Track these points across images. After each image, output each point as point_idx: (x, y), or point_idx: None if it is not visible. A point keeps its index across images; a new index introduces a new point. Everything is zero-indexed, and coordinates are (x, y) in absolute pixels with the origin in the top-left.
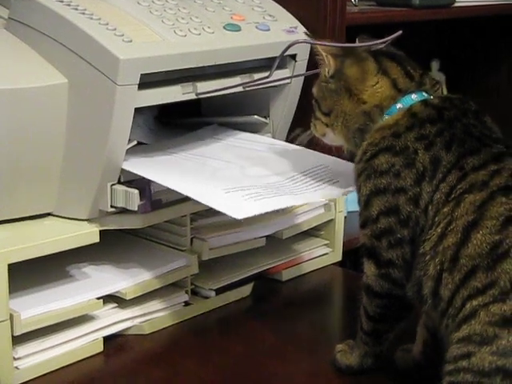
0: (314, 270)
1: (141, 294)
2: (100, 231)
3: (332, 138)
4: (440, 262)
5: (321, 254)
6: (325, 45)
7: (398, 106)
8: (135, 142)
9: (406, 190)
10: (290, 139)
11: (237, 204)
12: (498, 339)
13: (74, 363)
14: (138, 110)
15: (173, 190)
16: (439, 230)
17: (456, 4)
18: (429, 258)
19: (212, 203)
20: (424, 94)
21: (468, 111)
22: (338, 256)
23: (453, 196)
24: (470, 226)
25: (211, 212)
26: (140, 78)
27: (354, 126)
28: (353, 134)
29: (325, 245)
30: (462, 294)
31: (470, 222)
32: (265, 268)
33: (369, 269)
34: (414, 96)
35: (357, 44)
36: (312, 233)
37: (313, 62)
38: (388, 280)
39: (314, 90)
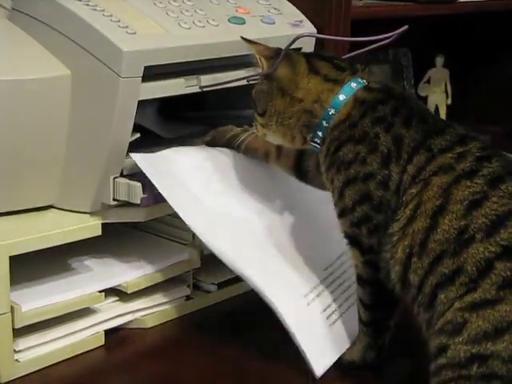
0: None
1: (143, 287)
2: (102, 224)
3: (272, 138)
4: (409, 246)
5: None
6: (330, 39)
7: (341, 97)
8: (138, 135)
9: (374, 175)
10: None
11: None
12: (467, 324)
13: (75, 356)
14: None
15: None
16: (408, 211)
17: None
18: (396, 240)
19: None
20: (360, 80)
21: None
22: None
23: (421, 177)
24: (437, 210)
25: None
26: (144, 71)
27: (297, 124)
28: (298, 131)
29: None
30: (431, 280)
31: (438, 207)
32: None
33: (355, 257)
34: (353, 84)
35: (363, 39)
36: None
37: None
38: (372, 266)
39: (252, 92)
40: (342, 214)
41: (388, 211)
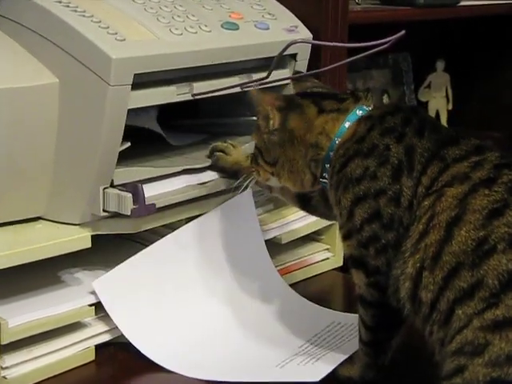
0: (315, 276)
1: None
2: (92, 236)
3: (276, 182)
4: (420, 260)
5: (321, 259)
6: (326, 45)
7: (347, 124)
8: (128, 144)
9: (385, 191)
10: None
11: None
12: (489, 347)
13: (64, 372)
14: None
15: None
16: (421, 226)
17: (461, 3)
18: (408, 255)
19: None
20: (365, 107)
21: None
22: (339, 261)
23: (434, 189)
24: (452, 221)
25: None
26: (133, 78)
27: (305, 161)
28: (307, 169)
29: (325, 249)
30: (447, 296)
31: (453, 218)
32: None
33: (359, 279)
34: (358, 112)
35: (359, 44)
36: (312, 237)
37: (314, 61)
38: (377, 288)
39: (255, 139)
40: (348, 236)
41: (399, 228)
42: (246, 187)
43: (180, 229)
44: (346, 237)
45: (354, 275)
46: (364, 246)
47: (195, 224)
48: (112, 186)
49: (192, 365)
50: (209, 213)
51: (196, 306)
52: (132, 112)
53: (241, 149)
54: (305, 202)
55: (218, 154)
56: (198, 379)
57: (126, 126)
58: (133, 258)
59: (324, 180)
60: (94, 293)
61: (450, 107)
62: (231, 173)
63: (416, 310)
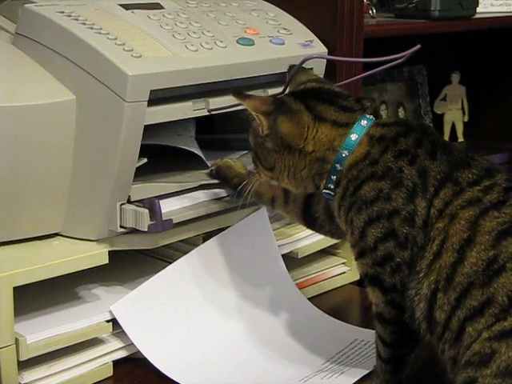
0: (331, 290)
1: None
2: (109, 252)
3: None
4: (434, 281)
5: (338, 273)
6: (341, 60)
7: (353, 136)
8: (145, 160)
9: (399, 211)
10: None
11: None
12: (496, 355)
13: None
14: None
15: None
16: (435, 247)
17: (476, 16)
18: (422, 276)
19: None
20: (369, 116)
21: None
22: (355, 275)
23: (448, 212)
24: (465, 243)
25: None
26: (150, 95)
27: (309, 173)
28: (311, 180)
29: (342, 263)
30: (458, 315)
31: (465, 240)
32: None
33: (376, 297)
34: (363, 122)
35: (374, 59)
36: (329, 251)
37: (329, 75)
38: (394, 306)
39: (251, 141)
40: (361, 255)
41: (414, 248)
42: (250, 192)
43: (196, 249)
44: (359, 256)
45: (371, 293)
46: (380, 265)
47: (212, 243)
48: (129, 201)
49: (212, 382)
50: (224, 232)
51: (215, 324)
52: (173, 133)
53: (240, 162)
54: (309, 220)
55: (219, 163)
56: None
57: (166, 147)
58: (149, 280)
59: (328, 191)
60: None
61: (466, 119)
62: (233, 183)
63: (431, 330)
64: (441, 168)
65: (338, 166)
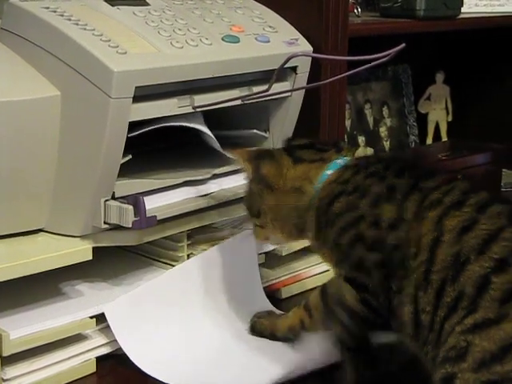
0: (315, 288)
1: None
2: (93, 248)
3: (274, 238)
4: (415, 283)
5: (322, 271)
6: (326, 58)
7: (328, 172)
8: (130, 156)
9: (364, 217)
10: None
11: None
12: (471, 347)
13: None
14: None
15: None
16: (412, 249)
17: (461, 15)
18: (409, 276)
19: None
20: (346, 158)
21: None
22: None
23: (419, 216)
24: (433, 243)
25: (208, 228)
26: (135, 91)
27: (289, 211)
28: (287, 218)
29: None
30: (440, 315)
31: (433, 239)
32: (264, 285)
33: (351, 295)
34: (339, 161)
35: (359, 58)
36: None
37: (314, 74)
38: (367, 306)
39: (244, 200)
40: (338, 263)
41: (384, 250)
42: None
43: (185, 262)
44: (336, 264)
45: (347, 292)
46: (355, 269)
47: (200, 258)
48: (113, 198)
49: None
50: (213, 248)
51: (202, 332)
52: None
53: (277, 314)
54: None
55: (254, 319)
56: None
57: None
58: (142, 286)
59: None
60: (94, 305)
61: (450, 119)
62: (269, 335)
63: (418, 335)
64: (407, 181)
65: (314, 202)
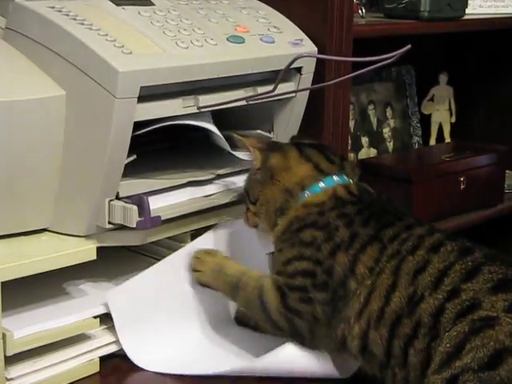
0: None
1: None
2: (97, 248)
3: (261, 227)
4: (366, 322)
5: None
6: (332, 59)
7: (321, 185)
8: (134, 156)
9: (321, 263)
10: None
11: None
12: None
13: None
14: None
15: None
16: (362, 298)
17: (465, 17)
18: (353, 321)
19: None
20: (345, 177)
21: (382, 196)
22: None
23: (377, 270)
24: (389, 288)
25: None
26: (140, 91)
27: (275, 207)
28: (274, 214)
29: None
30: (398, 344)
31: (390, 285)
32: None
33: (275, 301)
34: (335, 178)
35: (364, 59)
36: None
37: (319, 74)
38: (290, 324)
39: (245, 183)
40: (278, 274)
41: (330, 294)
42: None
43: (187, 246)
44: (276, 273)
45: (271, 296)
46: (291, 289)
47: (202, 239)
48: (117, 198)
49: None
50: (215, 229)
51: (197, 320)
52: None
53: None
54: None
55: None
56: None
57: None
58: (144, 272)
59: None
60: (98, 305)
61: (454, 120)
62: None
63: (368, 361)
64: (369, 232)
65: (297, 204)
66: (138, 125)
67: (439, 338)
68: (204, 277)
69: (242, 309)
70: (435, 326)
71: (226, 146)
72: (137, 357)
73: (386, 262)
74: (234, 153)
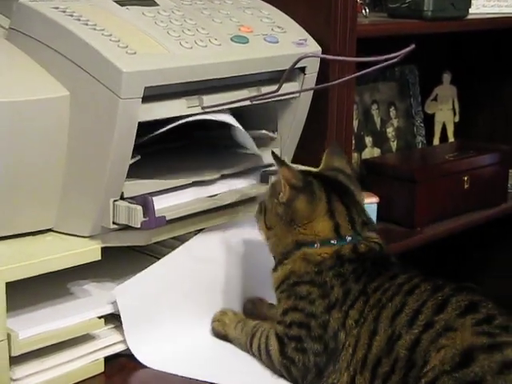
0: None
1: None
2: (102, 248)
3: (265, 241)
4: (353, 370)
5: None
6: (337, 59)
7: (332, 242)
8: (139, 157)
9: (316, 317)
10: None
11: None
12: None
13: None
14: None
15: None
16: (350, 349)
17: (468, 16)
18: (343, 370)
19: None
20: (359, 237)
21: (381, 253)
22: None
23: (361, 320)
24: (371, 335)
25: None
26: (144, 91)
27: (284, 248)
28: (280, 253)
29: None
30: (377, 382)
31: (372, 332)
32: None
33: (274, 350)
34: (348, 238)
35: (368, 59)
36: None
37: (322, 74)
38: (287, 371)
39: (266, 197)
40: (278, 323)
41: (324, 346)
42: None
43: (193, 238)
44: (278, 322)
45: (273, 343)
46: (289, 338)
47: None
48: (122, 198)
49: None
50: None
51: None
52: None
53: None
54: None
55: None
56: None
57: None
58: (152, 266)
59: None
60: (103, 305)
61: (457, 120)
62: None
63: None
64: (359, 288)
65: (305, 248)
66: (158, 123)
67: (416, 368)
68: (224, 326)
69: (250, 306)
70: (411, 358)
71: (250, 142)
72: (142, 355)
73: (369, 312)
74: (258, 152)
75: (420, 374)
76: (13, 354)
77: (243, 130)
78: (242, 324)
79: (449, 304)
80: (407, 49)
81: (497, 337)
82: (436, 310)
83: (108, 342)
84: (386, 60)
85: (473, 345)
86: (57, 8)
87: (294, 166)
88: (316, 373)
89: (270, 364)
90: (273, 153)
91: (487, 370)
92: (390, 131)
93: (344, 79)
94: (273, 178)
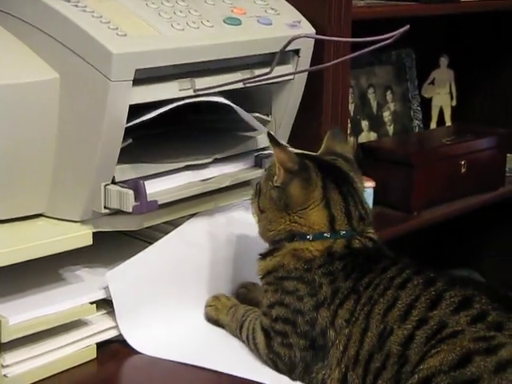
0: None
1: None
2: (93, 233)
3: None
4: (344, 367)
5: None
6: (329, 39)
7: (326, 235)
8: (130, 140)
9: (303, 314)
10: None
11: None
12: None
13: (65, 370)
14: None
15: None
16: (341, 347)
17: None
18: (334, 367)
19: None
20: (352, 233)
21: (374, 248)
22: None
23: (353, 320)
24: (363, 332)
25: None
26: (135, 74)
27: (276, 235)
28: (271, 239)
29: None
30: (369, 379)
31: (363, 328)
32: None
33: (262, 343)
34: (342, 232)
35: (362, 39)
36: None
37: (317, 57)
38: (274, 365)
39: (262, 180)
40: (263, 314)
41: (313, 342)
42: None
43: (187, 222)
44: (263, 314)
45: (259, 337)
46: (275, 332)
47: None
48: (113, 182)
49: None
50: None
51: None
52: None
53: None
54: None
55: (239, 290)
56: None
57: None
58: (145, 251)
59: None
60: (95, 290)
61: (454, 103)
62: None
63: None
64: (349, 285)
65: (297, 237)
66: (151, 106)
67: (409, 363)
68: (216, 311)
69: (243, 291)
70: (404, 354)
71: (251, 119)
72: (135, 340)
73: (360, 310)
74: (264, 129)
75: (414, 369)
76: (3, 340)
77: (239, 108)
78: (234, 310)
79: (442, 300)
80: (401, 29)
81: (492, 340)
82: (430, 305)
83: (100, 328)
84: (380, 41)
85: (470, 351)
86: None
87: (291, 149)
88: (303, 367)
89: (257, 355)
90: (268, 133)
91: (484, 370)
92: (386, 115)
93: (338, 60)
94: (268, 162)
